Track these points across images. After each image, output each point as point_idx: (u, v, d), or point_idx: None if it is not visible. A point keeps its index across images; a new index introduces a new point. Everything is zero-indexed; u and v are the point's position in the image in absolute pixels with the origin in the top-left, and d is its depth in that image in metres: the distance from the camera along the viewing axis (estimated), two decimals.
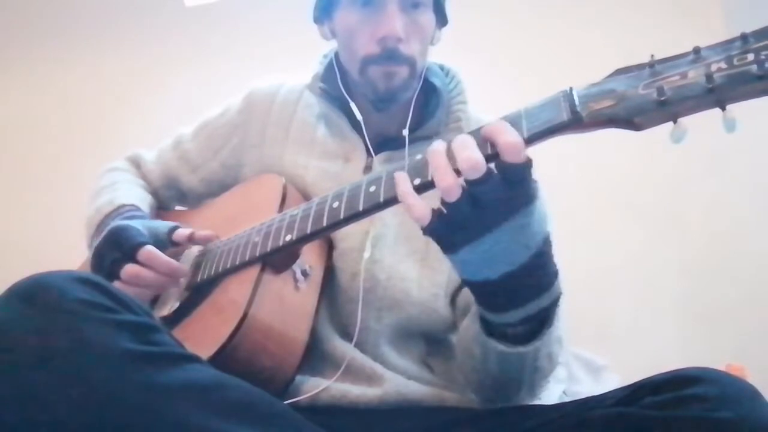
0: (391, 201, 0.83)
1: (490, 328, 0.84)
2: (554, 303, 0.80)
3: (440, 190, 0.71)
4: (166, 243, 1.02)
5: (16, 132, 2.67)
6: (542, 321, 0.81)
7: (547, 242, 0.76)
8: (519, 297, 0.77)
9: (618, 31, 2.14)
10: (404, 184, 0.74)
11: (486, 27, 2.26)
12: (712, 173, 2.11)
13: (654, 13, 2.15)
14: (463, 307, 1.02)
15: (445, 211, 0.71)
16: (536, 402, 0.95)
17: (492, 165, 0.70)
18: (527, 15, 2.27)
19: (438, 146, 0.73)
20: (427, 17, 1.04)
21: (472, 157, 0.69)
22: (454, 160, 0.71)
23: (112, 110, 2.54)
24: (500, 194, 0.70)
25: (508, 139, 0.69)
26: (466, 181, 0.70)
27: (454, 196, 0.70)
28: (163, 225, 1.05)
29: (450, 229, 0.72)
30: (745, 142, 2.02)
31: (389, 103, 1.04)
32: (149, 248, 0.98)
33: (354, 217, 0.85)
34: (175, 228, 1.03)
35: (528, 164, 0.70)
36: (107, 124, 2.52)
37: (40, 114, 2.65)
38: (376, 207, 0.84)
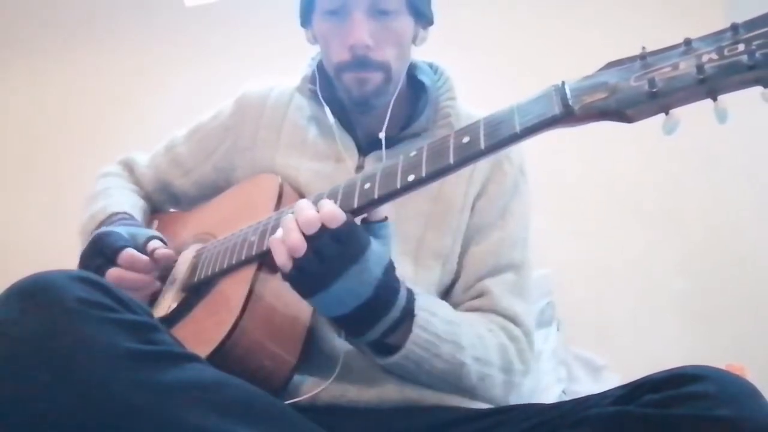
0: (386, 197, 0.84)
1: (368, 345, 0.92)
2: (406, 310, 0.89)
3: (287, 248, 0.82)
4: (143, 251, 1.02)
5: (16, 132, 2.67)
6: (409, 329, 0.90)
7: (387, 271, 0.86)
8: (370, 320, 0.87)
9: (617, 31, 2.13)
10: (279, 233, 0.84)
11: (485, 25, 2.26)
12: (710, 172, 2.11)
13: (653, 13, 2.15)
14: (453, 306, 1.04)
15: (297, 263, 0.82)
16: (535, 401, 0.95)
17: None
18: (526, 14, 2.27)
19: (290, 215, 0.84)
20: (399, 22, 1.04)
21: (306, 216, 0.81)
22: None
23: (112, 110, 2.54)
24: (334, 249, 0.81)
25: (325, 210, 0.82)
26: (306, 237, 0.81)
27: (299, 251, 0.81)
28: (142, 234, 1.05)
29: (303, 277, 0.83)
30: (743, 140, 2.02)
31: (364, 108, 1.06)
32: (129, 251, 0.99)
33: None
34: (150, 238, 1.04)
35: (347, 226, 0.82)
36: (107, 124, 2.52)
37: (40, 114, 2.64)
38: (370, 204, 0.85)
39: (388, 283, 0.87)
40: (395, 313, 0.88)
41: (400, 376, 0.95)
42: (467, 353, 0.95)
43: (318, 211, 0.82)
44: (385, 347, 0.91)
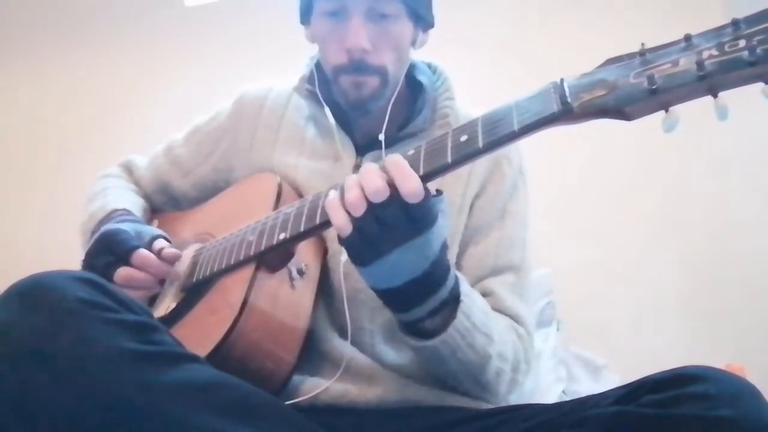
0: None
1: (405, 326, 0.89)
2: (453, 293, 0.87)
3: (346, 204, 0.77)
4: (149, 250, 1.02)
5: (16, 131, 2.67)
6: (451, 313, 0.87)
7: (443, 248, 0.83)
8: (420, 296, 0.84)
9: (616, 27, 2.13)
10: (333, 194, 0.80)
11: (485, 23, 2.26)
12: (713, 174, 2.11)
13: (654, 11, 2.14)
14: None
15: (357, 224, 0.77)
16: (535, 401, 0.95)
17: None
18: (526, 11, 2.27)
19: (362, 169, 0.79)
20: (398, 26, 1.03)
21: (374, 183, 0.75)
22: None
23: (111, 110, 2.54)
24: (402, 220, 0.77)
25: (408, 188, 0.75)
26: (371, 202, 0.76)
27: (359, 211, 0.76)
28: (148, 231, 1.05)
29: (360, 242, 0.78)
30: (746, 143, 2.02)
31: (360, 111, 1.05)
32: (142, 251, 0.99)
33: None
34: (156, 237, 1.04)
35: (426, 202, 0.77)
36: (107, 124, 2.52)
37: (40, 113, 2.65)
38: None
39: (443, 260, 0.83)
40: (444, 292, 0.85)
41: (429, 364, 0.93)
42: (495, 347, 0.94)
43: (393, 180, 0.76)
44: (421, 331, 0.89)
